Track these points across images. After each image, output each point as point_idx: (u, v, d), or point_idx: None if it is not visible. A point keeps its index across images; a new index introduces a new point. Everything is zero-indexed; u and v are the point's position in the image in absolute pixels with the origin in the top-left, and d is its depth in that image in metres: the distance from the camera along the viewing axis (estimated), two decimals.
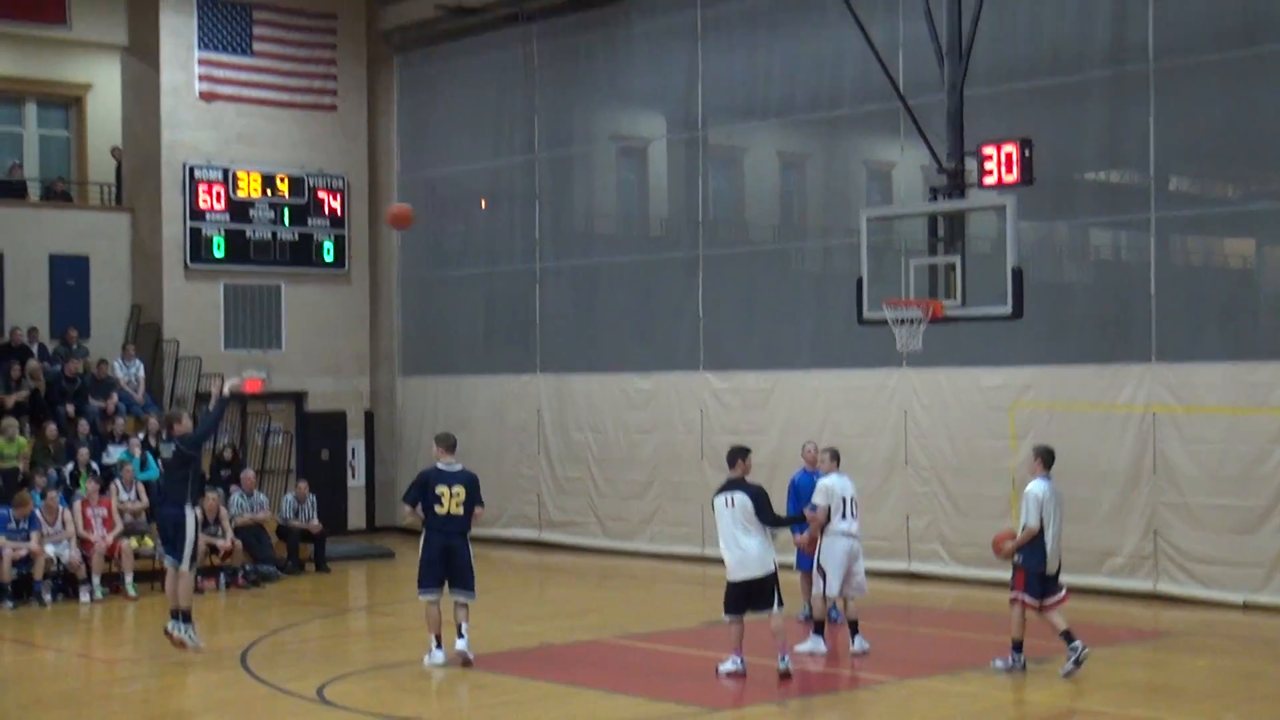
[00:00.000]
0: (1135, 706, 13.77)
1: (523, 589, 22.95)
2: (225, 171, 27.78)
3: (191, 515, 16.33)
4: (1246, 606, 18.83)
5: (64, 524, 21.57)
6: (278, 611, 20.58)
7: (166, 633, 16.44)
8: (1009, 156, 16.14)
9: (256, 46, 28.44)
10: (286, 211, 28.50)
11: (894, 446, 22.24)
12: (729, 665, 14.67)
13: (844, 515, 16.13)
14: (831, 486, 16.12)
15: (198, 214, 27.49)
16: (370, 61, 30.00)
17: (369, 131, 30.03)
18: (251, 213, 28.11)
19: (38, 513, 21.37)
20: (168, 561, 16.62)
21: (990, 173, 16.26)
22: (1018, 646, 14.83)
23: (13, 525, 21.10)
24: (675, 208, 26.45)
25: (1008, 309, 16.17)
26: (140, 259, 27.78)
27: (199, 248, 27.48)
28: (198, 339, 27.33)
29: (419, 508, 15.68)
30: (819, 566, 16.12)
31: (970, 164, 16.60)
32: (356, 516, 29.70)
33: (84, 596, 21.19)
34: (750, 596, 14.43)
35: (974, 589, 20.66)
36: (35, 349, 25.61)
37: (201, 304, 27.66)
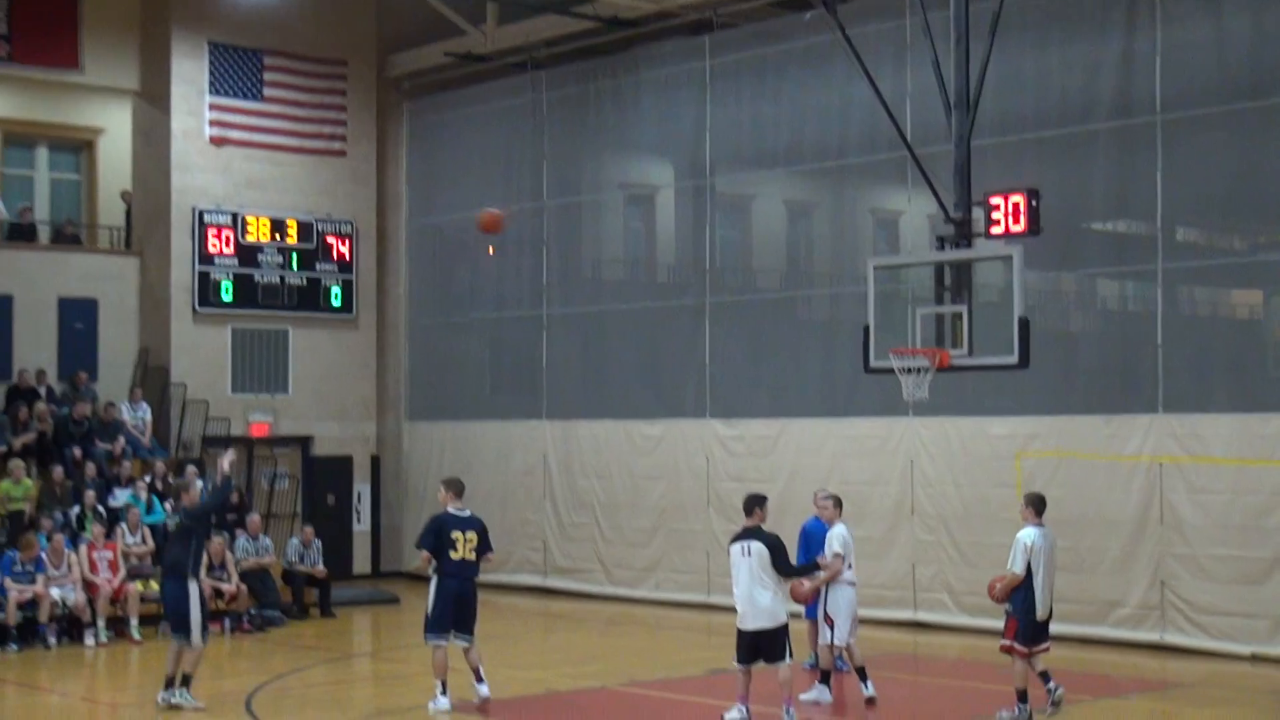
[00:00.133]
0: None
1: (528, 635, 22.91)
2: (234, 216, 27.89)
3: (195, 588, 15.97)
4: (1255, 658, 18.76)
5: (70, 567, 21.57)
6: (283, 656, 20.55)
7: (159, 702, 16.01)
8: (1016, 207, 16.17)
9: (267, 92, 28.58)
10: (295, 256, 28.59)
11: (900, 495, 22.21)
12: (734, 714, 14.60)
13: (849, 564, 16.18)
14: (845, 536, 16.18)
15: (206, 258, 27.57)
16: (380, 108, 30.14)
17: (378, 177, 30.15)
18: (260, 257, 28.19)
19: (43, 555, 21.38)
20: (175, 639, 16.07)
21: (997, 223, 16.29)
22: (1022, 697, 14.79)
23: (18, 568, 21.12)
24: (682, 255, 26.51)
25: (1014, 359, 16.15)
26: (149, 302, 27.85)
27: (207, 291, 27.55)
28: (205, 382, 27.37)
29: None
30: (826, 616, 16.11)
31: (977, 214, 16.62)
32: (362, 561, 29.67)
33: (89, 640, 21.18)
34: (760, 648, 14.37)
35: (980, 638, 20.57)
36: (43, 391, 25.66)
37: (209, 348, 27.71)
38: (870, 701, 15.82)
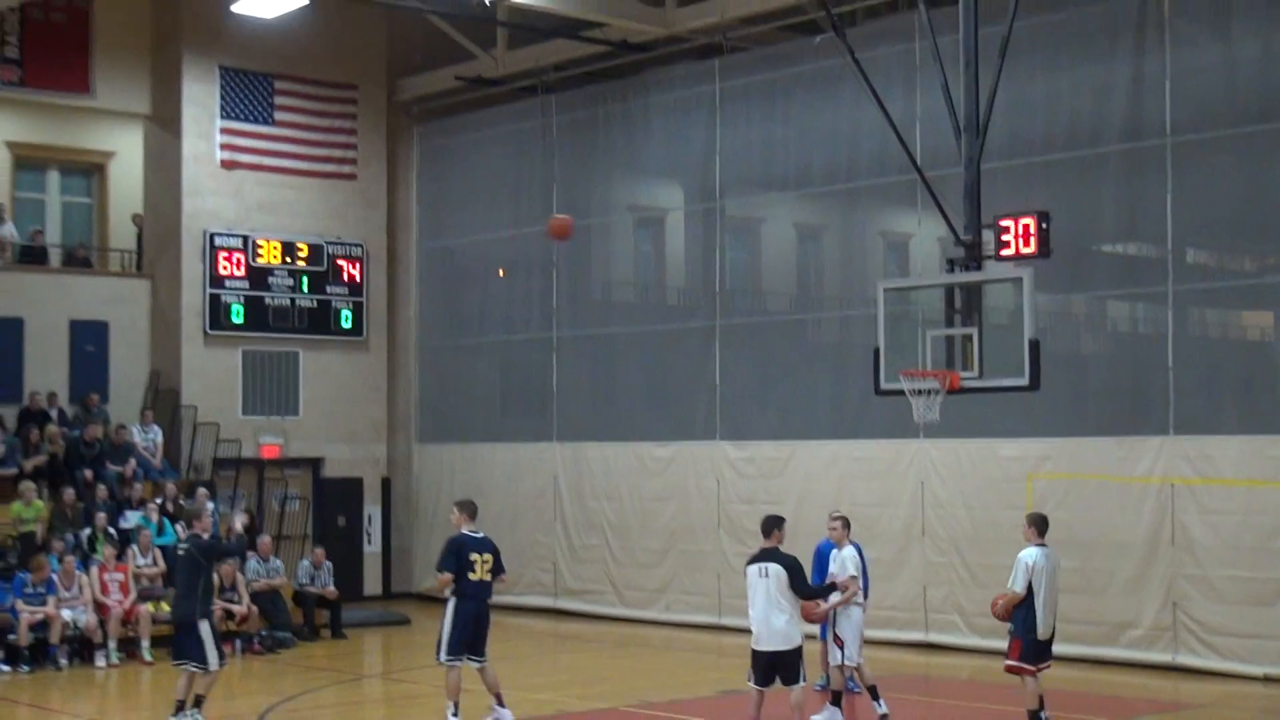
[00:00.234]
0: None
1: (538, 656, 22.92)
2: (245, 239, 27.96)
3: (205, 627, 15.86)
4: (1267, 679, 18.71)
5: (81, 589, 21.63)
6: (293, 678, 20.58)
7: None
8: (1026, 229, 16.20)
9: (277, 116, 28.68)
10: (305, 279, 28.66)
11: (911, 517, 22.22)
12: None
13: (862, 585, 16.26)
14: (856, 557, 16.22)
15: (217, 281, 27.63)
16: (390, 131, 30.24)
17: (388, 200, 30.23)
18: (271, 280, 28.27)
19: (55, 577, 21.44)
20: (190, 667, 15.94)
21: (1007, 245, 16.31)
22: (1034, 717, 14.80)
23: (30, 589, 21.19)
24: (692, 278, 26.56)
25: (1025, 380, 16.16)
26: (160, 325, 27.93)
27: (218, 314, 27.62)
28: (216, 405, 27.41)
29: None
30: (835, 637, 16.12)
31: (987, 236, 16.66)
32: (373, 583, 29.68)
33: (100, 661, 21.24)
34: (774, 669, 14.32)
35: (992, 659, 20.48)
36: (54, 414, 25.73)
37: (220, 370, 27.76)
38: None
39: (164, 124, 28.12)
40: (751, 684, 14.54)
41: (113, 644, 21.43)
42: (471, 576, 15.75)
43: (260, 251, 28.12)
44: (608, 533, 26.50)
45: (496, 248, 29.05)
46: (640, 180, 27.82)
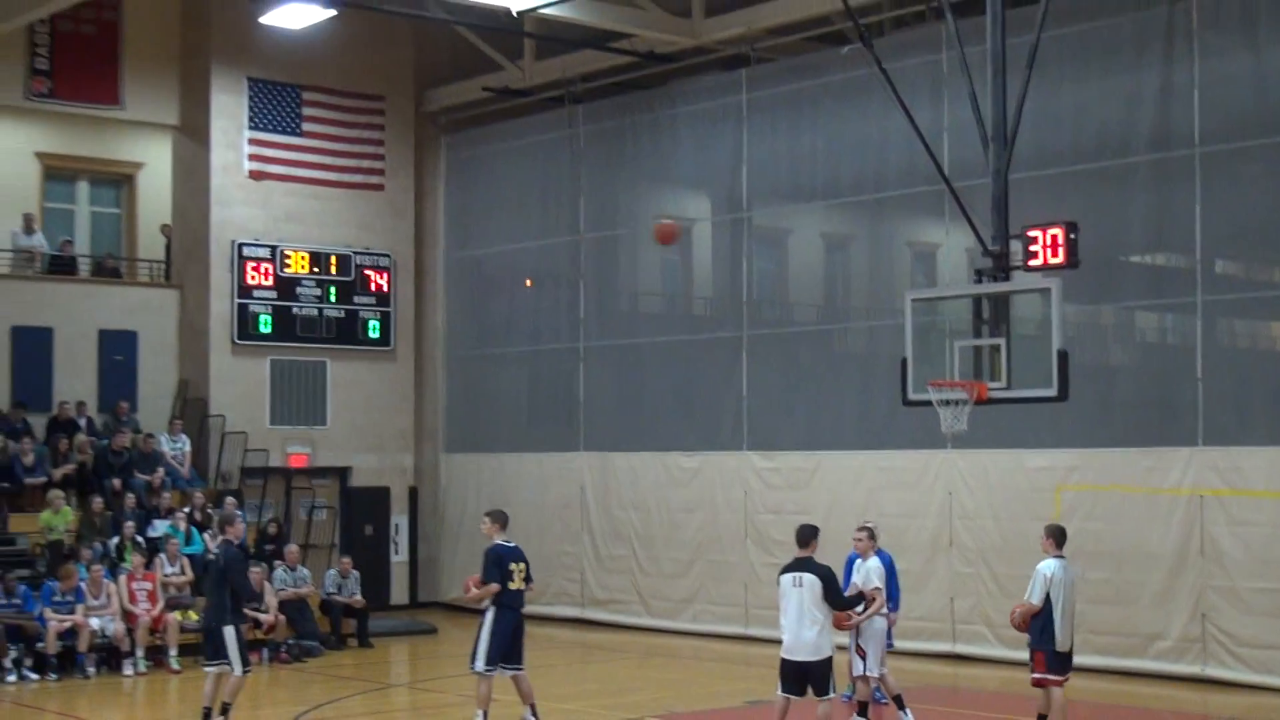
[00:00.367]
0: None
1: (565, 667, 22.89)
2: (273, 249, 28.05)
3: (230, 633, 16.00)
4: None
5: (109, 597, 21.71)
6: (321, 687, 20.60)
7: None
8: (1054, 239, 16.15)
9: (305, 127, 28.77)
10: (333, 289, 28.74)
11: (938, 528, 22.17)
12: None
13: (889, 596, 16.24)
14: (881, 568, 16.19)
15: (245, 291, 27.72)
16: (417, 142, 30.31)
17: (416, 210, 30.29)
18: (298, 290, 28.34)
19: (83, 585, 21.53)
20: (217, 668, 16.09)
21: (1036, 255, 16.27)
22: None
23: (58, 598, 21.28)
24: (720, 288, 26.57)
25: (1053, 391, 16.11)
26: (188, 335, 28.03)
27: (246, 324, 27.70)
28: (244, 414, 27.50)
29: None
30: (858, 647, 16.08)
31: (1015, 246, 16.61)
32: (400, 592, 29.73)
33: (127, 669, 21.31)
34: (805, 679, 14.24)
35: (1020, 670, 20.35)
36: (83, 423, 25.84)
37: (248, 380, 27.83)
38: None
39: (192, 135, 28.24)
40: (779, 693, 14.49)
41: (140, 652, 21.51)
42: (510, 586, 15.89)
43: (288, 262, 28.20)
44: (635, 543, 26.49)
45: (524, 258, 29.09)
46: (667, 191, 27.82)
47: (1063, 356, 15.93)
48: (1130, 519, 20.13)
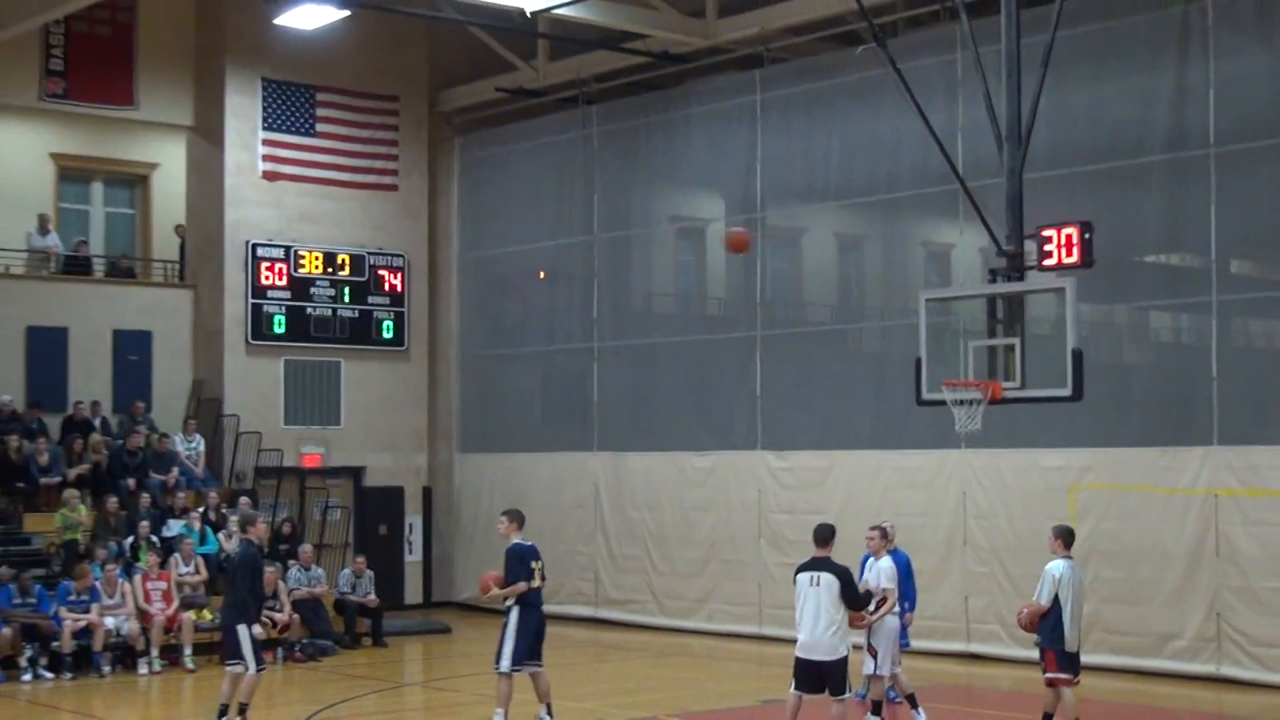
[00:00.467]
0: None
1: (579, 666, 22.88)
2: (287, 249, 28.09)
3: (244, 631, 16.06)
4: None
5: (124, 597, 21.76)
6: (334, 686, 20.62)
7: None
8: (1069, 239, 16.14)
9: (319, 127, 28.80)
10: (347, 289, 28.77)
11: (953, 527, 22.15)
12: None
13: (901, 595, 16.26)
14: (892, 568, 16.18)
15: (259, 291, 27.76)
16: (431, 142, 30.34)
17: (429, 211, 30.33)
18: (312, 290, 28.38)
19: (98, 585, 21.59)
20: (235, 667, 16.18)
21: (1050, 255, 16.26)
22: None
23: (73, 597, 21.33)
24: (733, 288, 26.57)
25: (1068, 391, 16.08)
26: (202, 335, 28.08)
27: (260, 324, 27.74)
28: (258, 414, 27.54)
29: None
30: (870, 646, 16.07)
31: (1029, 246, 16.60)
32: (414, 592, 29.76)
33: (142, 668, 21.35)
34: (818, 679, 14.21)
35: (1034, 670, 20.33)
36: (98, 423, 25.90)
37: (262, 380, 27.87)
38: None
39: (206, 135, 28.30)
40: (792, 690, 14.49)
41: (155, 651, 21.55)
42: (533, 584, 15.94)
43: (302, 262, 28.24)
44: (648, 542, 26.50)
45: (537, 258, 29.09)
46: (681, 191, 27.82)
47: (1077, 356, 15.91)
48: (1145, 518, 20.10)
